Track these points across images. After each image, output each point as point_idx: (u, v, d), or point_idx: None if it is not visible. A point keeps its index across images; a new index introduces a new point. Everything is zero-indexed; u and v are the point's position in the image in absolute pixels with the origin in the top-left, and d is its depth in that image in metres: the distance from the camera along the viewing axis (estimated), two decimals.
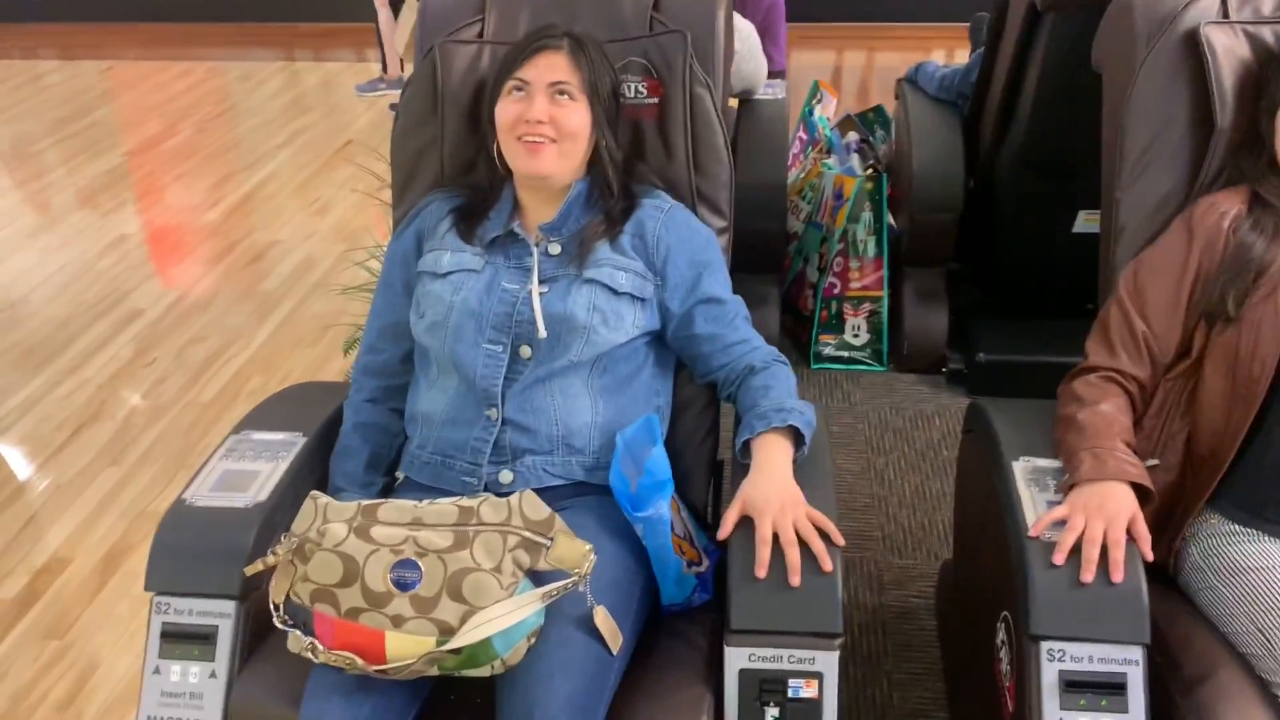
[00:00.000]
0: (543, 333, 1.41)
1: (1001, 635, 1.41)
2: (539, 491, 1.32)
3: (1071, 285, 2.14)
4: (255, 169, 4.47)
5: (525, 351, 1.43)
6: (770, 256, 2.83)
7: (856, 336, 2.89)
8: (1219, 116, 1.48)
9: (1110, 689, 1.24)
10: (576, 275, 1.45)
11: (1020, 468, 1.44)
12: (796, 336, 3.02)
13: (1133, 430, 1.42)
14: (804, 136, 3.29)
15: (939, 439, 2.60)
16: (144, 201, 4.21)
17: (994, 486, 1.47)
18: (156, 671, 1.34)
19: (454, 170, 1.65)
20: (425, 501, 1.27)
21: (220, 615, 1.35)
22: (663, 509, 1.34)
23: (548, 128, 1.42)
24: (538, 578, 1.25)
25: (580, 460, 1.44)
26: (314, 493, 1.27)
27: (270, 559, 1.25)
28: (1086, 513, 1.30)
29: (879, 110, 3.32)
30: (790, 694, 1.27)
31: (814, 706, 1.27)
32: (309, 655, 1.22)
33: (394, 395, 1.56)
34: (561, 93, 1.44)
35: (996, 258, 2.79)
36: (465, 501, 1.26)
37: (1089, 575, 1.26)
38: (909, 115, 2.81)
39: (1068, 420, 1.43)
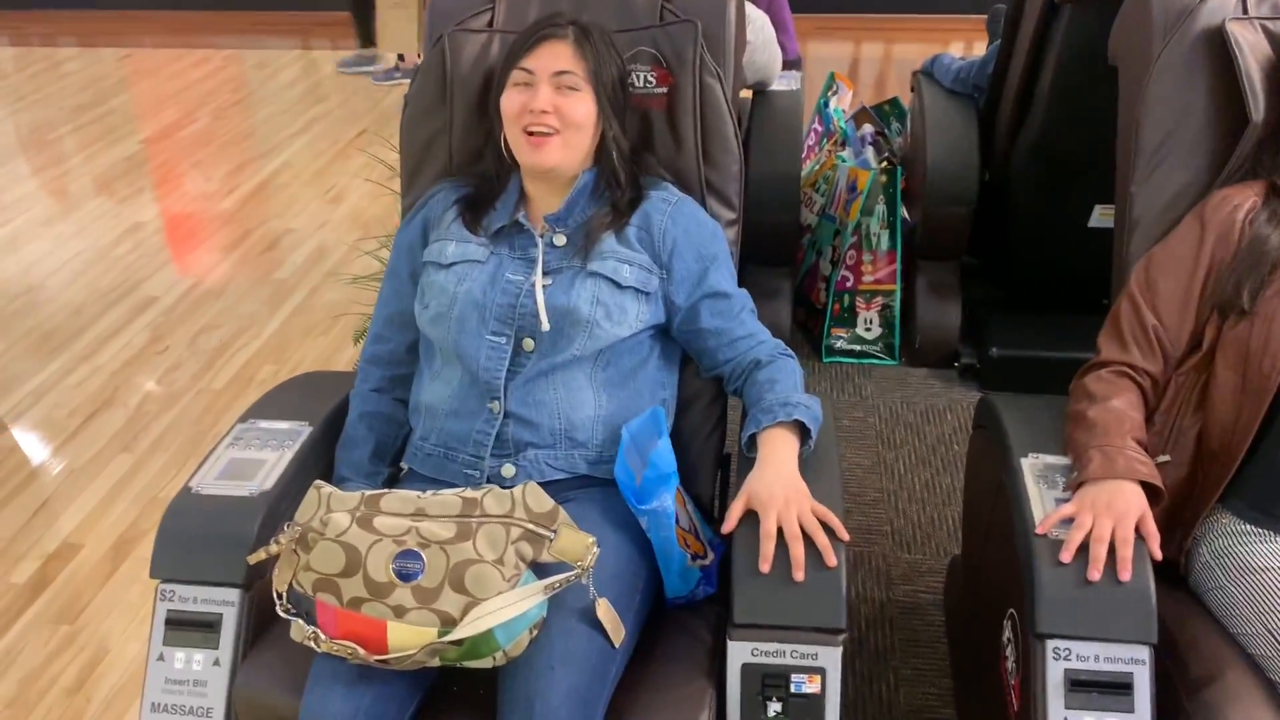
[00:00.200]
0: (545, 325, 1.41)
1: (1008, 633, 1.40)
2: (542, 484, 1.31)
3: (1086, 280, 2.12)
4: (270, 157, 4.47)
5: (528, 344, 1.43)
6: (783, 249, 2.81)
7: (869, 330, 2.88)
8: (1252, 111, 1.46)
9: (1116, 689, 1.23)
10: (581, 268, 1.44)
11: (1029, 464, 1.43)
12: (809, 329, 3.01)
13: (1144, 426, 1.41)
14: (819, 128, 3.27)
15: (950, 434, 2.59)
16: (160, 189, 4.23)
17: (1002, 483, 1.46)
18: (161, 659, 1.35)
19: (462, 159, 1.64)
20: (429, 492, 1.27)
21: (224, 603, 1.35)
22: (667, 502, 1.33)
23: (552, 118, 1.42)
24: (541, 570, 1.25)
25: (583, 454, 1.44)
26: (317, 482, 1.27)
27: (273, 548, 1.25)
28: (1095, 511, 1.29)
29: (894, 102, 3.30)
30: (793, 689, 1.27)
31: (816, 702, 1.27)
32: (311, 644, 1.22)
33: (400, 385, 1.56)
34: (566, 83, 1.43)
35: (1011, 252, 2.77)
36: (469, 493, 1.26)
37: (1096, 574, 1.25)
38: (924, 108, 2.79)
39: (1078, 417, 1.42)
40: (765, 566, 1.27)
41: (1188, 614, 1.36)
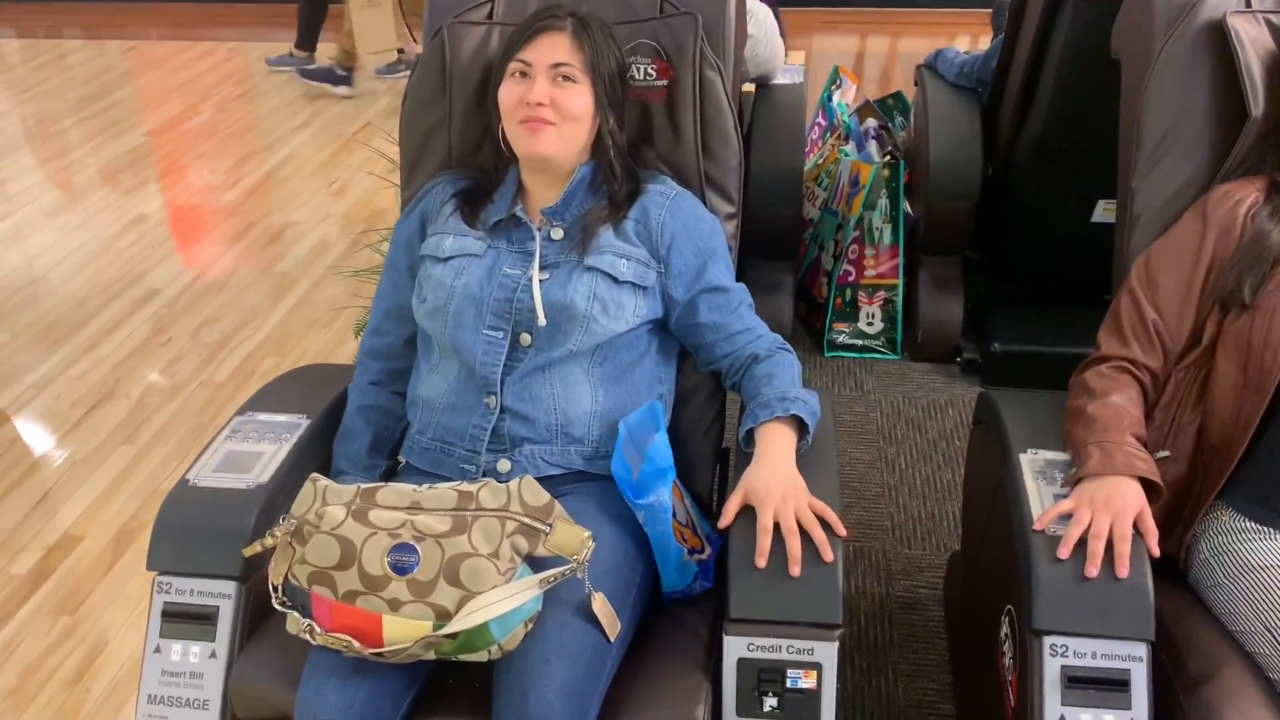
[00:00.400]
0: (542, 320, 1.40)
1: (1005, 629, 1.39)
2: (539, 478, 1.31)
3: (1089, 275, 2.11)
4: (274, 150, 4.47)
5: (525, 339, 1.43)
6: (786, 243, 2.81)
7: (870, 325, 2.87)
8: (1252, 106, 1.45)
9: (1113, 685, 1.23)
10: (578, 262, 1.44)
11: (1028, 460, 1.43)
12: (811, 324, 3.00)
13: (1144, 422, 1.41)
14: (822, 123, 3.26)
15: (951, 429, 2.58)
16: (164, 181, 4.23)
17: (1001, 478, 1.45)
18: (157, 651, 1.35)
19: (462, 152, 1.64)
20: (425, 486, 1.27)
21: (221, 596, 1.35)
22: (664, 496, 1.33)
23: (549, 110, 1.41)
24: (536, 563, 1.25)
25: (579, 449, 1.44)
26: (313, 475, 1.27)
27: (269, 541, 1.25)
28: (1093, 507, 1.29)
29: (898, 96, 3.29)
30: (789, 684, 1.27)
31: (812, 697, 1.26)
32: (307, 637, 1.22)
33: (398, 378, 1.56)
34: (564, 76, 1.43)
35: (1013, 247, 2.76)
36: (464, 486, 1.26)
37: (1094, 570, 1.24)
38: (927, 102, 2.78)
39: (1077, 412, 1.42)
40: (762, 561, 1.27)
41: (1186, 610, 1.35)
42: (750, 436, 1.41)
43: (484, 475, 1.42)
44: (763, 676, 1.27)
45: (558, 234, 1.47)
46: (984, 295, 2.85)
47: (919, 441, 2.55)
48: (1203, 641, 1.29)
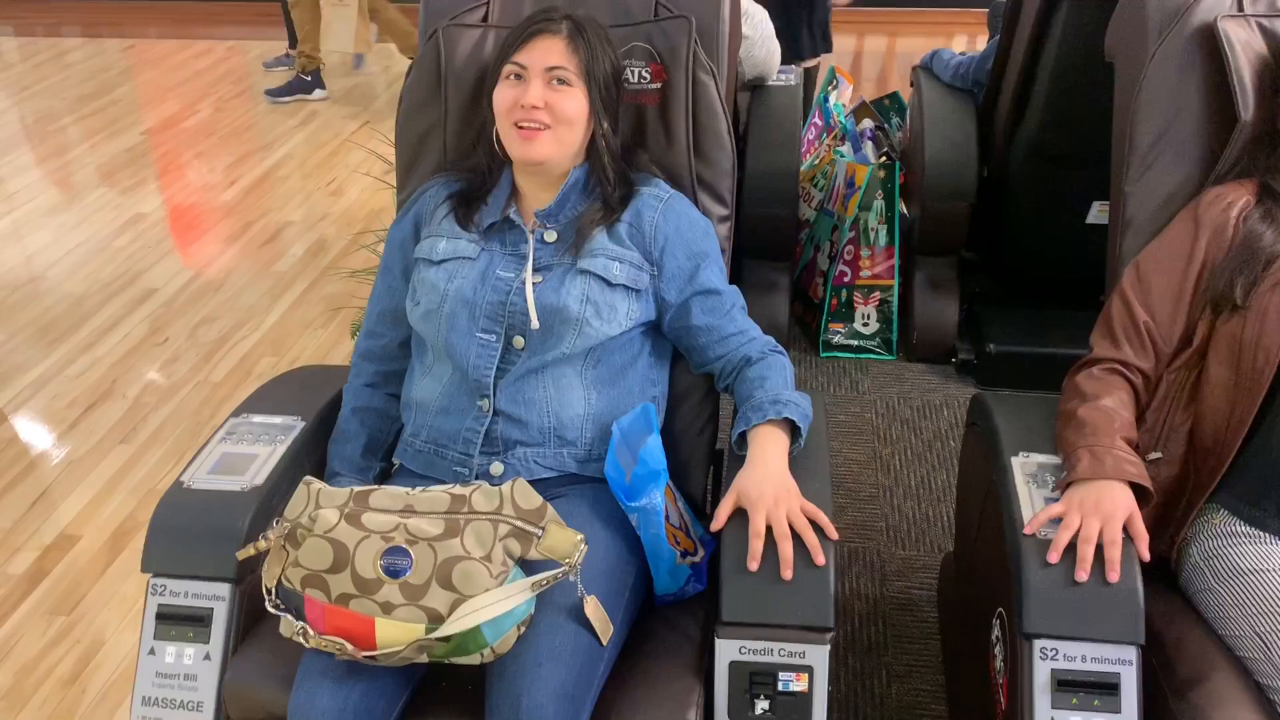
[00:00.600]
0: (535, 324, 1.41)
1: (996, 631, 1.40)
2: (531, 482, 1.31)
3: (1084, 276, 2.11)
4: (272, 149, 4.48)
5: (518, 342, 1.43)
6: (782, 243, 2.81)
7: (866, 325, 2.88)
8: (1241, 110, 1.46)
9: (1103, 689, 1.23)
10: (571, 265, 1.44)
11: (1019, 463, 1.43)
12: (806, 324, 3.01)
13: (1135, 425, 1.41)
14: (819, 123, 3.26)
15: (947, 430, 2.59)
16: (162, 180, 4.23)
17: (993, 481, 1.46)
18: (151, 652, 1.35)
19: (457, 154, 1.64)
20: (418, 489, 1.27)
21: (215, 598, 1.36)
22: (656, 499, 1.33)
23: (543, 114, 1.41)
24: (529, 567, 1.25)
25: (572, 452, 1.44)
26: (307, 478, 1.28)
27: (262, 544, 1.25)
28: (1083, 511, 1.29)
29: (895, 97, 3.29)
30: (780, 687, 1.27)
31: (804, 700, 1.27)
32: (300, 640, 1.23)
33: (393, 380, 1.56)
34: (558, 78, 1.43)
35: (1009, 248, 2.77)
36: (457, 489, 1.26)
37: (1083, 574, 1.25)
38: (923, 103, 2.78)
39: (1068, 415, 1.42)
40: (754, 565, 1.28)
41: (1176, 614, 1.36)
42: (743, 439, 1.42)
43: (477, 478, 1.42)
44: (754, 679, 1.27)
45: (551, 236, 1.47)
46: (979, 296, 2.86)
47: (914, 442, 2.55)
48: (1193, 645, 1.30)
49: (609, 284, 1.43)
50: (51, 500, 2.48)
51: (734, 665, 1.28)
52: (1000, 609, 1.38)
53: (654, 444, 1.37)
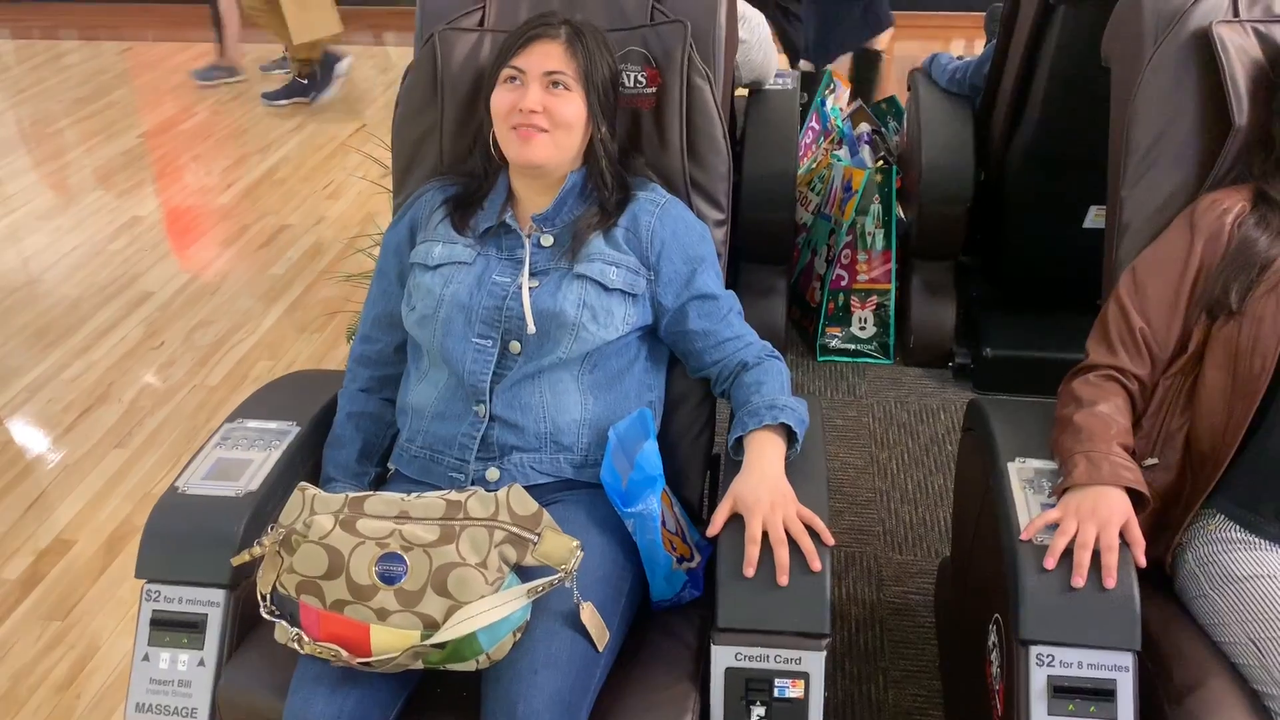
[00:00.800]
0: (532, 329, 1.41)
1: (993, 637, 1.40)
2: (527, 487, 1.31)
3: (1081, 281, 2.11)
4: (269, 152, 4.47)
5: (514, 347, 1.43)
6: (779, 247, 2.81)
7: (863, 329, 2.88)
8: (1235, 115, 1.46)
9: (1099, 695, 1.23)
10: (568, 270, 1.44)
11: (1016, 469, 1.43)
12: (803, 328, 3.00)
13: (1131, 431, 1.41)
14: (816, 127, 3.26)
15: (943, 434, 2.59)
16: (158, 183, 4.23)
17: (989, 487, 1.46)
18: (145, 659, 1.35)
19: (453, 158, 1.64)
20: (413, 495, 1.27)
21: (209, 604, 1.35)
22: (652, 505, 1.33)
23: (541, 118, 1.41)
24: (524, 573, 1.25)
25: (568, 458, 1.44)
26: (301, 484, 1.27)
27: (257, 550, 1.25)
28: (1079, 517, 1.29)
29: (892, 101, 3.29)
30: (776, 694, 1.27)
31: (800, 706, 1.27)
32: (295, 646, 1.22)
33: (388, 385, 1.56)
34: (556, 82, 1.43)
35: (1006, 252, 2.77)
36: (453, 496, 1.26)
37: (1080, 580, 1.25)
38: (920, 107, 2.78)
39: (1064, 421, 1.42)
40: (750, 571, 1.27)
41: (1172, 620, 1.36)
42: (739, 444, 1.42)
43: (473, 483, 1.42)
44: (750, 686, 1.27)
45: (547, 241, 1.47)
46: (976, 300, 2.86)
47: (911, 446, 2.55)
48: (1188, 651, 1.29)
49: (605, 289, 1.43)
50: (47, 504, 2.48)
51: (730, 671, 1.27)
52: (997, 615, 1.38)
53: (650, 449, 1.37)
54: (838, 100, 3.30)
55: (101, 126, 4.78)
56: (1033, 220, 2.63)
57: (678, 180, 1.60)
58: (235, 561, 1.28)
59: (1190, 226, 1.43)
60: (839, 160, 2.97)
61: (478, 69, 1.61)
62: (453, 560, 1.20)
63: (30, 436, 2.73)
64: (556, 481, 1.44)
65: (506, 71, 1.45)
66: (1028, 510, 1.36)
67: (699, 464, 1.62)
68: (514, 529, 1.23)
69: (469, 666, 1.22)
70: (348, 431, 1.53)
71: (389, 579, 1.20)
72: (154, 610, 1.36)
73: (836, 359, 2.88)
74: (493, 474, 1.42)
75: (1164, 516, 1.41)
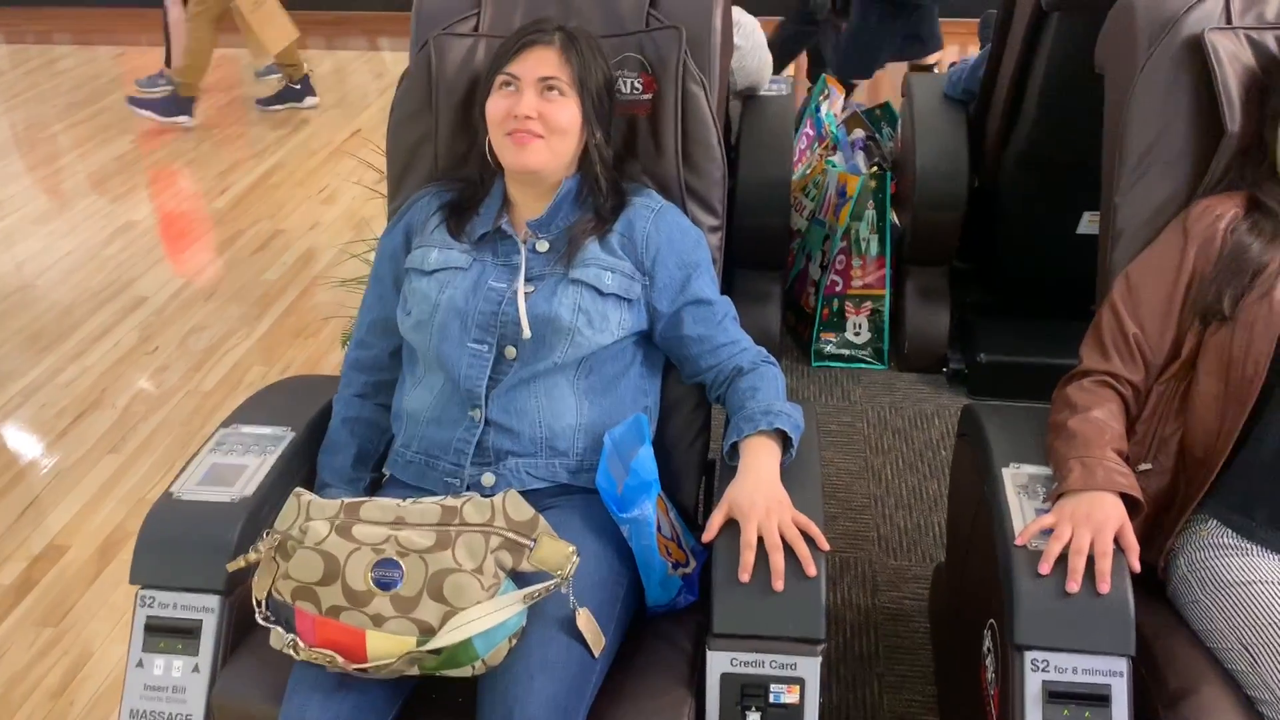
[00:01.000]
0: (527, 334, 1.41)
1: (987, 643, 1.40)
2: (522, 493, 1.31)
3: (1075, 287, 2.12)
4: (263, 157, 4.47)
5: (510, 352, 1.43)
6: (773, 253, 2.82)
7: (858, 335, 2.88)
8: (1228, 122, 1.46)
9: (1094, 700, 1.23)
10: (563, 275, 1.44)
11: (1010, 474, 1.43)
12: (798, 334, 3.01)
13: (1125, 437, 1.42)
14: (810, 133, 3.27)
15: (938, 439, 2.59)
16: (152, 188, 4.22)
17: (984, 492, 1.46)
18: (140, 665, 1.34)
19: (448, 164, 1.64)
20: (408, 501, 1.27)
21: (204, 610, 1.35)
22: (648, 510, 1.33)
23: (536, 123, 1.41)
24: (520, 579, 1.25)
25: (564, 463, 1.44)
26: (297, 490, 1.27)
27: (252, 555, 1.25)
28: (1074, 522, 1.29)
29: (886, 107, 3.30)
30: (772, 699, 1.27)
31: (795, 712, 1.27)
32: (290, 652, 1.22)
33: (383, 390, 1.56)
34: (551, 88, 1.43)
35: (1000, 258, 2.78)
36: (448, 501, 1.26)
37: (1075, 585, 1.25)
38: (914, 112, 2.79)
39: (1058, 427, 1.42)
40: (745, 576, 1.28)
41: (1166, 625, 1.36)
42: (735, 450, 1.42)
43: (468, 488, 1.42)
44: (745, 691, 1.27)
45: (543, 246, 1.47)
46: (971, 306, 2.86)
47: (905, 452, 2.56)
48: (1182, 657, 1.30)
49: (601, 293, 1.43)
50: (40, 510, 2.47)
51: (725, 677, 1.27)
52: (991, 620, 1.38)
53: (646, 455, 1.37)
54: (832, 106, 3.30)
55: (95, 131, 4.78)
56: (1026, 226, 2.64)
57: (673, 186, 1.60)
58: (230, 567, 1.28)
59: (1183, 233, 1.44)
60: (833, 166, 2.98)
61: (472, 74, 1.62)
62: (448, 566, 1.20)
63: (24, 442, 2.72)
64: (552, 487, 1.44)
65: (501, 78, 1.45)
66: (1022, 515, 1.36)
67: (694, 469, 1.62)
68: (510, 534, 1.23)
69: (465, 672, 1.22)
70: (343, 437, 1.53)
71: (385, 585, 1.19)
72: (148, 616, 1.35)
73: (831, 364, 2.89)
74: (488, 479, 1.42)
75: (1157, 522, 1.42)
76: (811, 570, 1.27)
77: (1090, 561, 1.26)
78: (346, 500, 1.26)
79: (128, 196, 4.13)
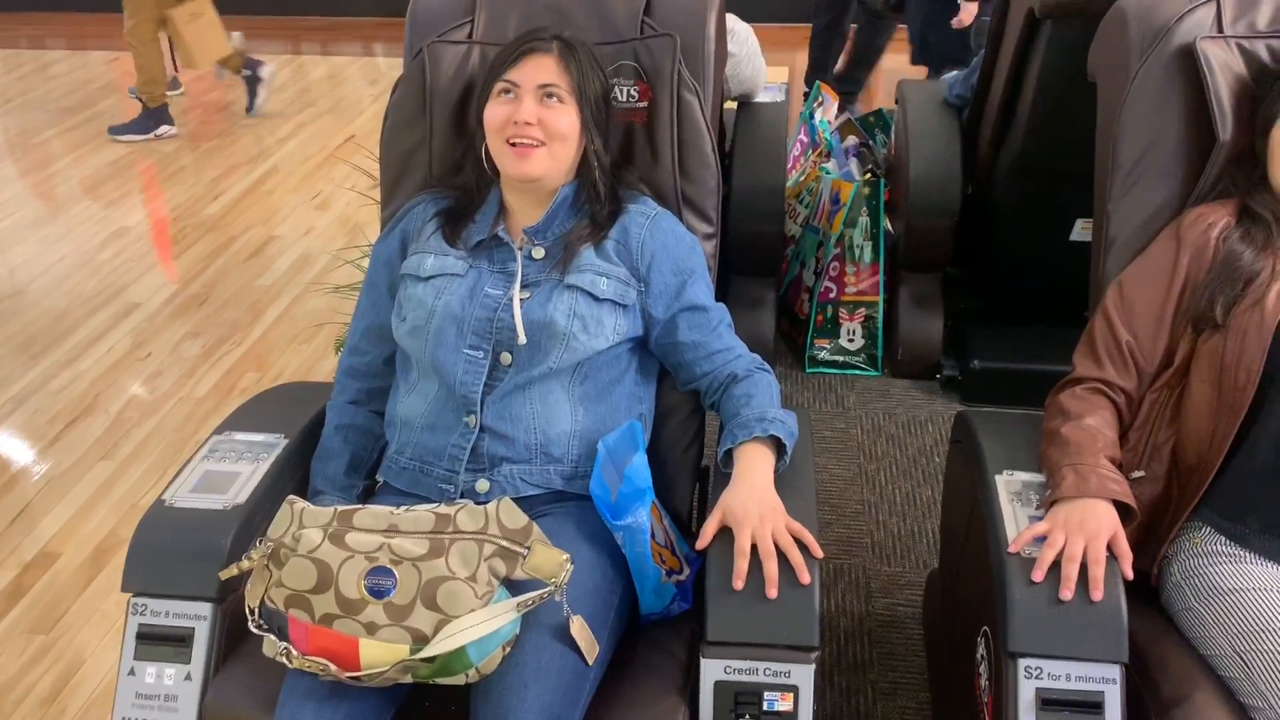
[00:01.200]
0: (522, 339, 1.41)
1: (981, 650, 1.40)
2: (516, 499, 1.31)
3: (1068, 293, 2.12)
4: (257, 163, 4.47)
5: (506, 358, 1.43)
6: (767, 260, 2.82)
7: (851, 341, 2.88)
8: (1220, 130, 1.47)
9: (1087, 707, 1.24)
10: (559, 281, 1.44)
11: (1003, 481, 1.44)
12: (792, 340, 3.01)
13: (1118, 444, 1.42)
14: (804, 139, 3.27)
15: (931, 445, 2.59)
16: (146, 194, 4.22)
17: (977, 499, 1.46)
18: (132, 673, 1.34)
19: (442, 171, 1.64)
20: (402, 508, 1.27)
21: (197, 617, 1.35)
22: (642, 517, 1.33)
23: (536, 130, 1.42)
24: (514, 586, 1.25)
25: (558, 469, 1.44)
26: (290, 497, 1.27)
27: (245, 563, 1.25)
28: (1067, 529, 1.29)
29: (880, 114, 3.31)
30: (766, 707, 1.27)
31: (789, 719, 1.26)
32: (284, 660, 1.22)
33: (377, 397, 1.56)
34: (550, 95, 1.43)
35: (993, 265, 2.78)
36: (442, 509, 1.26)
37: (1068, 593, 1.25)
38: (908, 120, 2.80)
39: (1052, 434, 1.43)
40: (739, 584, 1.27)
41: (1159, 632, 1.36)
42: (729, 456, 1.42)
43: (462, 495, 1.42)
44: (739, 699, 1.27)
45: (539, 253, 1.47)
46: (964, 312, 2.87)
47: (899, 458, 2.56)
48: (1175, 664, 1.30)
49: (596, 298, 1.44)
50: (31, 517, 2.46)
51: (719, 685, 1.27)
52: (985, 627, 1.38)
53: (639, 462, 1.37)
54: (826, 113, 3.31)
55: (89, 137, 4.77)
56: (1019, 233, 2.65)
57: (669, 195, 1.60)
58: (223, 575, 1.28)
59: (1176, 241, 1.44)
60: (827, 173, 2.98)
61: (467, 81, 1.62)
62: (442, 574, 1.20)
63: (16, 448, 2.71)
64: (547, 493, 1.44)
65: (500, 85, 1.45)
66: (1016, 523, 1.36)
67: (688, 476, 1.62)
68: (504, 542, 1.23)
69: (458, 680, 1.21)
70: (336, 444, 1.52)
71: (378, 593, 1.19)
72: (140, 624, 1.35)
73: (825, 371, 2.89)
74: (483, 485, 1.42)
75: (1150, 529, 1.42)
76: (805, 578, 1.27)
77: (1083, 569, 1.27)
78: (340, 508, 1.26)
79: (121, 202, 4.12)
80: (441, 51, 1.63)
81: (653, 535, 1.35)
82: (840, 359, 2.89)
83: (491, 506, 1.25)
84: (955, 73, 2.90)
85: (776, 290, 2.91)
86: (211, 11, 4.68)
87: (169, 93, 4.89)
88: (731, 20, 2.49)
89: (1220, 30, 1.52)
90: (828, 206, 2.91)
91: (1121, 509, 1.33)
